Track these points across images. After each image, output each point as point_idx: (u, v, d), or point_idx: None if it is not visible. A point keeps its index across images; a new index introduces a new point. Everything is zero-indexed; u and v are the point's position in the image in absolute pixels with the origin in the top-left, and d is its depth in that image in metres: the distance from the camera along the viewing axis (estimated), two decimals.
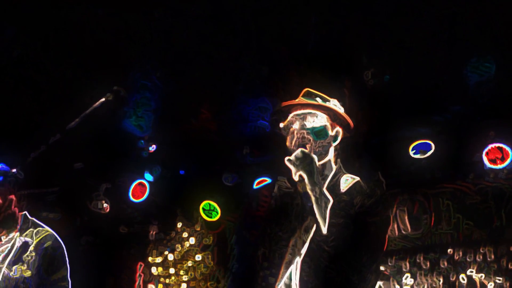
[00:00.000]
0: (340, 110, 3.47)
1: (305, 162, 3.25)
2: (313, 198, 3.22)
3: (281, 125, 3.47)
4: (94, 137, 5.83)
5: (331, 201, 3.25)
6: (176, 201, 6.67)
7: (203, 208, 6.50)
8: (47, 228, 3.97)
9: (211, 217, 6.50)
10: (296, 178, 3.29)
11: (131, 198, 6.54)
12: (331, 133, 3.41)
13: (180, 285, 6.57)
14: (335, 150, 3.43)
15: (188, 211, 6.67)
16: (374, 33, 5.61)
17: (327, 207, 3.23)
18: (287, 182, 3.45)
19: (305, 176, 3.25)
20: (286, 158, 3.28)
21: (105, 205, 6.35)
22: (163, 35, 5.78)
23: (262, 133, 6.18)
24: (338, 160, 3.45)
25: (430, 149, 5.79)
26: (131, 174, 6.49)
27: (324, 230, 3.19)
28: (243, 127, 6.20)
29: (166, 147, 6.34)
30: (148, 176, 6.50)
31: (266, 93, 6.13)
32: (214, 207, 6.48)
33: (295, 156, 3.27)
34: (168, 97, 6.16)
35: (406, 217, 5.85)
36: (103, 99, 3.70)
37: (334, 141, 3.43)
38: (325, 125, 3.40)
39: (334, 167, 3.42)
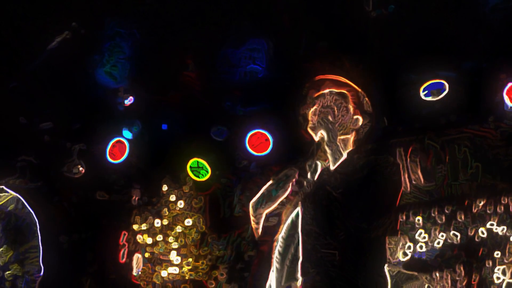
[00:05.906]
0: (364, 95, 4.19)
1: (326, 125, 3.98)
2: (328, 151, 3.94)
3: (312, 95, 4.10)
4: (61, 91, 5.65)
5: (344, 156, 3.99)
6: (159, 160, 6.39)
7: (190, 167, 6.22)
8: (11, 192, 4.09)
9: (200, 177, 6.22)
10: (316, 138, 3.99)
11: (109, 159, 6.29)
12: (352, 116, 4.07)
13: (169, 252, 6.29)
14: (354, 133, 4.09)
15: (174, 171, 6.37)
16: None
17: (340, 159, 3.97)
18: (297, 175, 4.06)
19: (324, 134, 3.96)
20: (308, 126, 4.04)
21: (80, 168, 6.09)
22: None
23: (254, 79, 5.94)
24: (357, 143, 4.10)
25: (444, 89, 5.60)
26: (107, 133, 6.24)
27: (332, 166, 3.94)
28: (231, 73, 6.04)
29: (145, 98, 6.15)
30: (127, 134, 6.24)
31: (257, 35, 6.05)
32: (203, 165, 6.19)
33: (318, 122, 3.98)
34: (150, 50, 6.08)
35: (418, 167, 5.63)
36: (60, 37, 3.26)
37: (354, 124, 4.07)
38: (349, 107, 4.07)
39: (351, 147, 4.11)
